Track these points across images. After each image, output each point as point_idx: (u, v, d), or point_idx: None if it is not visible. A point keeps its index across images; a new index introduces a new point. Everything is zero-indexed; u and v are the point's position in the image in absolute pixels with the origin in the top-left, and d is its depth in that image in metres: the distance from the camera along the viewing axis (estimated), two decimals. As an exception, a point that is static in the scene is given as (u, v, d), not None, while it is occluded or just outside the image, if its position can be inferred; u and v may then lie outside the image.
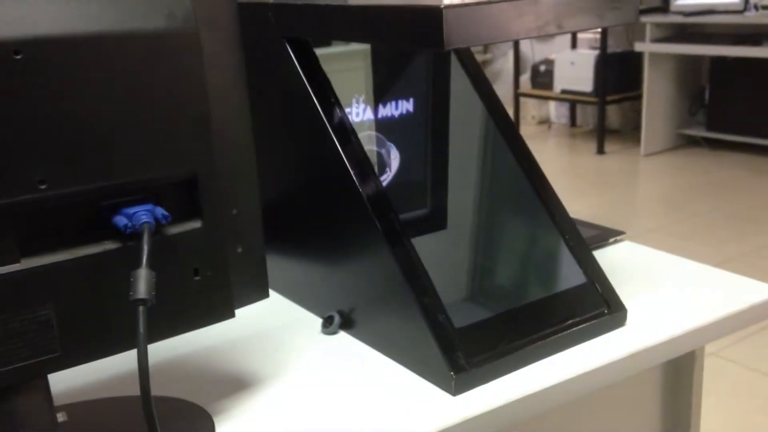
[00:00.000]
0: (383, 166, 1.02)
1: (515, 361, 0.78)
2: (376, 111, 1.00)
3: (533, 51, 5.87)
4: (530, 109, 5.86)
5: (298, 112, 0.86)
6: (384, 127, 1.01)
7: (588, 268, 0.87)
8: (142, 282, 0.56)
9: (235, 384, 0.79)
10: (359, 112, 0.98)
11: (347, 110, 0.98)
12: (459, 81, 0.98)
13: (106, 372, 0.81)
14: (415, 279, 0.77)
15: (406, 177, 1.02)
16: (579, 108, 5.62)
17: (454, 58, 0.99)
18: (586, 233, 1.10)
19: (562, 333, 0.82)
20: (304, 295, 0.94)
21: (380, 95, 1.01)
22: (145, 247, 0.57)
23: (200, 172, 0.63)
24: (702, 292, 0.94)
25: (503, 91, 5.93)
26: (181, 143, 0.62)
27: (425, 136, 1.03)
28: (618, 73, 4.98)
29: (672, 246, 3.08)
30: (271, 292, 0.99)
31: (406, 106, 1.01)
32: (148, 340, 0.58)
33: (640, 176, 4.64)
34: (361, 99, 0.99)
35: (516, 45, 5.43)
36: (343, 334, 0.88)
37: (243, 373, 0.81)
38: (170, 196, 0.63)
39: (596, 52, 4.97)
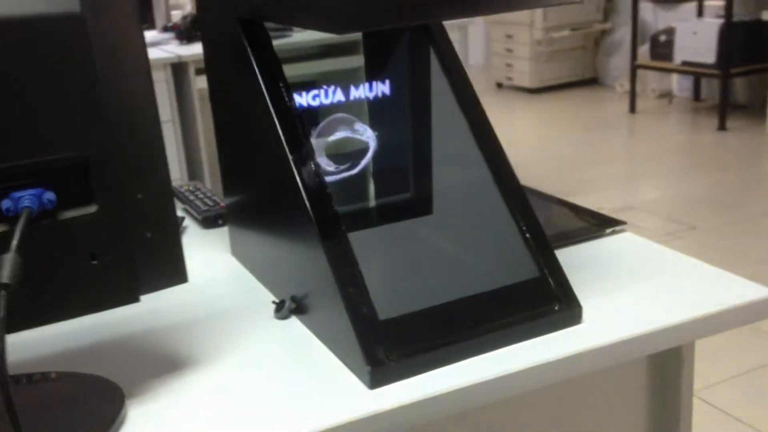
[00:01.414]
0: (358, 150, 1.00)
1: (444, 356, 0.75)
2: (347, 93, 0.98)
3: (656, 18, 5.56)
4: (650, 81, 5.57)
5: (248, 96, 0.86)
6: (358, 109, 0.99)
7: (542, 262, 0.82)
8: (6, 267, 0.57)
9: (164, 364, 0.80)
10: (328, 94, 0.97)
11: (315, 93, 0.97)
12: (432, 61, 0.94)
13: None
14: (342, 270, 0.76)
15: (384, 161, 1.00)
16: (704, 81, 5.29)
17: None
18: (579, 223, 1.04)
19: (504, 329, 0.78)
20: (268, 279, 0.95)
21: (353, 78, 1.00)
22: (18, 232, 0.59)
23: (92, 157, 0.64)
24: (686, 290, 0.87)
25: (624, 62, 5.67)
26: (69, 128, 0.63)
27: (403, 119, 1.00)
28: (745, 44, 4.63)
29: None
30: (246, 273, 1.00)
31: (382, 88, 0.99)
32: (41, 321, 0.60)
33: (763, 156, 4.32)
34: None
35: (635, 13, 5.16)
36: (294, 320, 0.87)
37: (177, 354, 0.82)
38: (65, 181, 0.64)
39: (720, 21, 4.65)
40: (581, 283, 0.90)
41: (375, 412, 0.70)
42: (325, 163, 0.97)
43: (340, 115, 0.98)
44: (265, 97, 0.82)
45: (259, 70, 0.83)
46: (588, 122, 5.25)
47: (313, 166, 0.80)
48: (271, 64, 0.85)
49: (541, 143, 4.84)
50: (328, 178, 0.95)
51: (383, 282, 0.81)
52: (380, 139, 0.99)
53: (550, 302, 0.81)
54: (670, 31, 5.02)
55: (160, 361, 0.81)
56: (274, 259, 0.91)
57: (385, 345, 0.74)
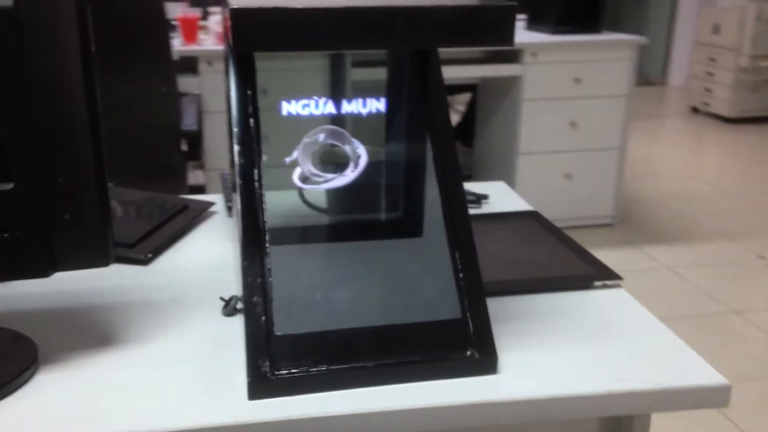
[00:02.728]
0: (345, 162, 1.00)
1: (331, 380, 0.74)
2: (338, 106, 0.98)
3: None
4: None
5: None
6: (350, 124, 0.99)
7: (467, 305, 0.78)
8: None
9: (92, 335, 0.85)
10: (318, 106, 0.97)
11: (305, 103, 0.98)
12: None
13: None
14: (252, 279, 0.77)
15: (372, 177, 1.00)
16: None
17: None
18: (573, 270, 0.98)
19: (404, 365, 0.75)
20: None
21: (345, 92, 0.99)
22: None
23: (10, 137, 0.70)
24: (638, 361, 0.80)
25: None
26: (-11, 109, 0.69)
27: (396, 137, 0.99)
28: None
29: None
30: (230, 265, 1.04)
31: (376, 105, 0.98)
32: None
33: None
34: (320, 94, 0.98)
35: None
36: (240, 318, 0.90)
37: (109, 329, 0.87)
38: (-11, 158, 0.71)
39: None
40: (528, 333, 0.85)
41: (242, 422, 0.71)
42: (310, 171, 0.98)
43: (330, 126, 0.98)
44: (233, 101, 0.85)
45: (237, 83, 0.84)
46: (781, 162, 4.80)
47: (255, 177, 0.81)
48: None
49: (724, 177, 4.50)
50: (311, 186, 0.97)
51: (307, 297, 0.81)
52: (371, 154, 0.98)
53: (463, 347, 0.77)
54: None
55: (89, 333, 0.86)
56: (234, 258, 0.94)
57: (275, 359, 0.74)
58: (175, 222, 1.15)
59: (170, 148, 2.55)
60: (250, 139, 0.82)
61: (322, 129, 0.99)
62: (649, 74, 7.60)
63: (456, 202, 0.83)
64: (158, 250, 1.08)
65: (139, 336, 0.86)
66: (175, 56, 2.42)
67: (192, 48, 2.98)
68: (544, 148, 3.40)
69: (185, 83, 2.83)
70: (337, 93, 0.98)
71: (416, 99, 0.95)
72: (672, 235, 3.62)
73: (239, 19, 0.62)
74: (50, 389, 0.76)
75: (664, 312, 2.85)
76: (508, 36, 0.66)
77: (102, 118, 0.75)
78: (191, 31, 3.00)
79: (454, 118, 4.88)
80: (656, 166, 4.80)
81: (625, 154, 3.49)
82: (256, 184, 0.80)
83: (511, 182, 3.43)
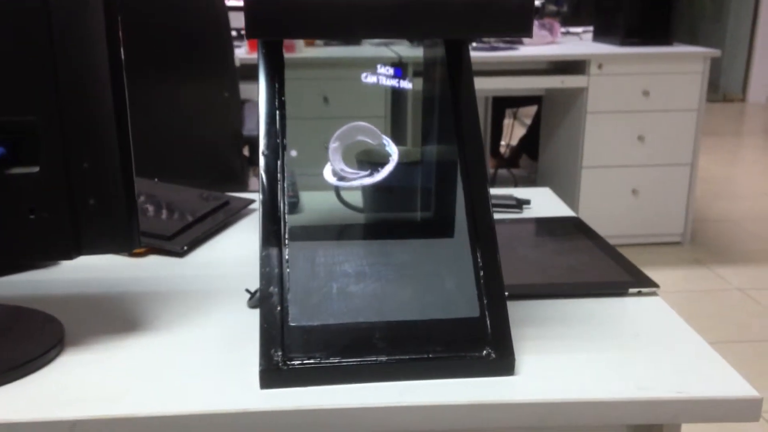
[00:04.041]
0: (380, 161, 1.00)
1: (343, 374, 0.74)
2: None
3: None
4: None
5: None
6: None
7: (486, 303, 0.77)
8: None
9: (120, 319, 0.87)
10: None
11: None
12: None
13: None
14: (270, 270, 0.77)
15: (406, 176, 0.99)
16: None
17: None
18: (609, 276, 0.95)
19: (418, 362, 0.74)
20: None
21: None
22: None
23: (39, 122, 0.72)
24: (663, 370, 0.76)
25: None
26: (22, 94, 0.71)
27: (430, 137, 0.98)
28: None
29: None
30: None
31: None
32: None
33: None
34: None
35: None
36: (262, 310, 0.90)
37: (138, 315, 0.88)
38: (17, 141, 0.73)
39: None
40: (552, 337, 0.83)
41: (252, 410, 0.71)
42: (340, 169, 0.98)
43: (362, 123, 0.98)
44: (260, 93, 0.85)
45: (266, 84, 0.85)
46: None
47: (278, 169, 0.81)
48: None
49: (798, 198, 4.32)
50: (342, 183, 0.97)
51: (324, 290, 0.81)
52: (406, 154, 0.98)
53: (480, 346, 0.75)
54: None
55: (117, 319, 0.88)
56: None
57: (288, 350, 0.74)
58: (215, 217, 1.17)
59: (232, 152, 2.60)
60: (274, 132, 0.82)
61: (353, 126, 0.99)
62: (729, 90, 7.36)
63: (479, 201, 0.82)
64: (194, 244, 1.10)
65: (163, 324, 0.87)
66: (237, 63, 2.47)
67: (256, 56, 3.03)
68: (610, 161, 3.33)
69: (249, 90, 2.88)
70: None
71: (447, 97, 0.94)
72: (744, 257, 3.48)
73: (253, 6, 0.62)
74: (73, 369, 0.77)
75: (732, 334, 2.75)
76: (526, 26, 0.65)
77: (127, 105, 0.77)
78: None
79: (520, 131, 4.83)
80: (732, 185, 4.64)
81: (695, 171, 3.38)
82: (279, 176, 0.81)
83: (575, 196, 3.37)
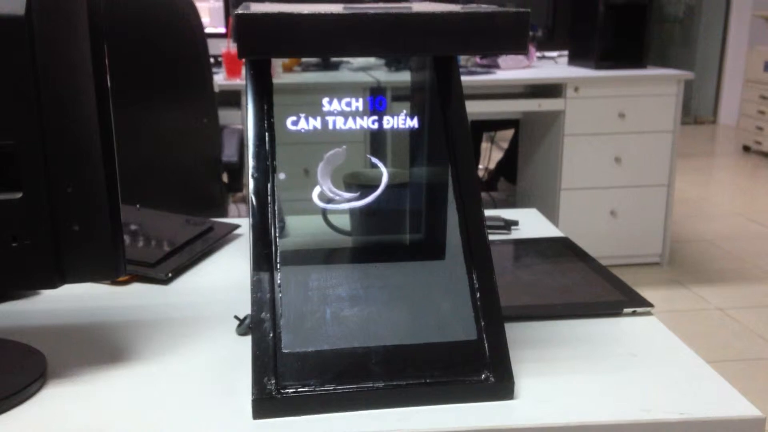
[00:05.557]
0: (369, 183, 0.98)
1: (339, 401, 0.72)
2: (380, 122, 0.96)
3: None
4: None
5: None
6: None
7: (484, 326, 0.75)
8: None
9: (103, 350, 0.84)
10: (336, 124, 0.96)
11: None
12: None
13: None
14: (261, 295, 0.75)
15: (395, 198, 0.98)
16: None
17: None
18: (602, 296, 0.94)
19: (414, 387, 0.72)
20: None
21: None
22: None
23: (20, 148, 0.70)
24: (660, 391, 0.75)
25: None
26: (1, 117, 0.69)
27: (419, 157, 0.97)
28: None
29: None
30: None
31: (409, 122, 0.96)
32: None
33: None
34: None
35: None
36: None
37: (122, 345, 0.86)
38: (3, 167, 0.71)
39: None
40: (550, 359, 0.82)
41: (247, 442, 0.69)
42: (330, 190, 0.96)
43: (342, 149, 0.96)
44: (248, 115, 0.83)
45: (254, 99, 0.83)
46: (838, 202, 4.64)
47: (268, 192, 0.80)
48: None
49: (772, 217, 4.37)
50: (329, 206, 0.95)
51: (317, 315, 0.79)
52: (396, 176, 0.96)
53: (478, 369, 0.74)
54: None
55: (101, 349, 0.85)
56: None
57: (281, 377, 0.72)
58: (199, 243, 1.14)
59: (211, 178, 2.58)
60: (264, 155, 0.80)
61: (343, 148, 0.97)
62: (699, 113, 7.47)
63: (473, 221, 0.80)
64: (179, 271, 1.07)
65: (149, 353, 0.84)
66: (216, 89, 2.46)
67: (234, 82, 3.02)
68: (588, 183, 3.34)
69: (227, 116, 2.87)
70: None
71: (437, 116, 0.93)
72: (723, 276, 3.50)
73: (244, 25, 0.61)
74: (56, 403, 0.74)
75: (713, 354, 2.75)
76: (520, 43, 0.64)
77: (113, 130, 0.75)
78: (235, 66, 3.04)
79: (497, 155, 4.86)
80: (707, 206, 4.68)
81: (672, 192, 3.41)
82: (269, 198, 0.79)
83: (554, 218, 3.38)
